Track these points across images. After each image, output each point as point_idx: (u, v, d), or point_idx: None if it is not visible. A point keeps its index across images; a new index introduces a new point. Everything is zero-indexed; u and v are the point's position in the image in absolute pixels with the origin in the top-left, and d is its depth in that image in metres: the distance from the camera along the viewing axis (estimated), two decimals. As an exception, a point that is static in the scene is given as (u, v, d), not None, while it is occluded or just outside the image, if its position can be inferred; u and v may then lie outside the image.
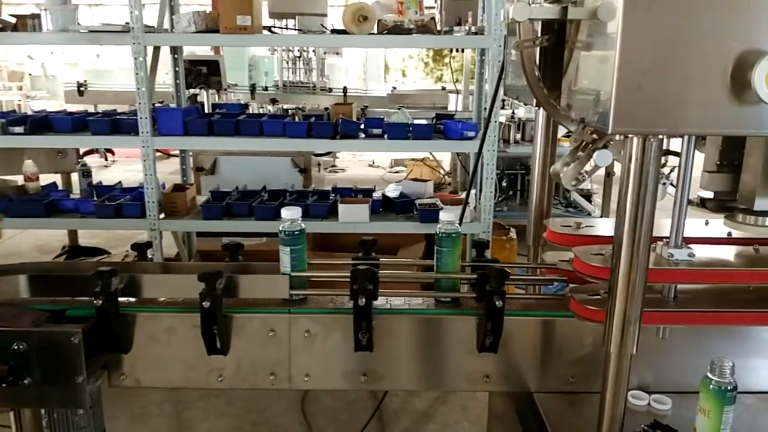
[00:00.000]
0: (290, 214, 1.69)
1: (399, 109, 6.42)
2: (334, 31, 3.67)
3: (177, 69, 4.22)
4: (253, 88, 9.69)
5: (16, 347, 1.45)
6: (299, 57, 10.92)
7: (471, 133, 3.57)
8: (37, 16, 3.85)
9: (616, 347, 1.30)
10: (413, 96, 9.51)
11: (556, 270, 1.76)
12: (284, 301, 1.67)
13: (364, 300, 1.52)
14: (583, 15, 1.34)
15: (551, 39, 1.54)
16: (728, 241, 1.66)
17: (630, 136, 1.19)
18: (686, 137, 1.41)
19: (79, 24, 3.82)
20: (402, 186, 4.16)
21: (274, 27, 3.87)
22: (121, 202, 3.83)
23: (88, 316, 1.59)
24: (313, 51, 10.77)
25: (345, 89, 10.06)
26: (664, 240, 1.49)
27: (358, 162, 11.04)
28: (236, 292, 1.72)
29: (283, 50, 10.85)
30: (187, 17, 3.58)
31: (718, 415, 1.33)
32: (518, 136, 6.44)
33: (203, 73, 6.05)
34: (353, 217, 3.61)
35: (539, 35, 1.55)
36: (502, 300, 1.54)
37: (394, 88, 11.07)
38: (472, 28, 3.78)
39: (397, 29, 3.48)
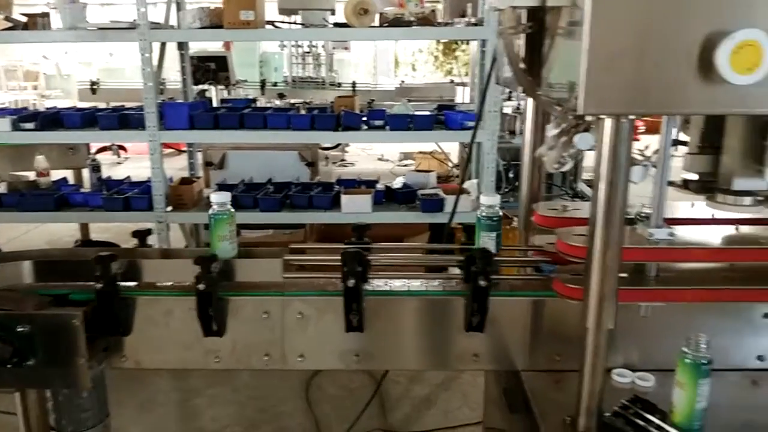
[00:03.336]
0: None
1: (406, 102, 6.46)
2: (336, 25, 3.72)
3: (184, 65, 4.29)
4: (263, 84, 9.78)
5: (20, 329, 1.52)
6: (308, 53, 11.00)
7: (471, 123, 3.61)
8: (47, 15, 3.94)
9: (593, 323, 1.34)
10: (421, 89, 9.54)
11: (543, 252, 1.80)
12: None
13: (353, 282, 1.57)
14: (561, 1, 1.37)
15: (535, 26, 1.58)
16: (722, 222, 1.68)
17: (602, 117, 1.23)
18: (665, 119, 1.45)
19: (87, 22, 3.90)
20: (405, 177, 4.20)
21: (278, 22, 3.92)
22: (129, 196, 3.91)
23: (89, 300, 1.66)
24: (322, 46, 10.85)
25: (354, 84, 10.12)
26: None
27: (368, 156, 11.09)
28: (233, 276, 1.78)
29: (293, 46, 10.94)
30: (192, 13, 3.65)
31: (693, 388, 1.37)
32: (524, 127, 6.43)
33: (212, 69, 6.13)
34: (356, 208, 3.67)
35: (524, 23, 1.59)
36: (487, 280, 1.59)
37: (403, 81, 11.11)
38: (472, 20, 3.82)
39: (397, 21, 3.52)
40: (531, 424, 1.52)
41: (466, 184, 3.91)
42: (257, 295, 1.71)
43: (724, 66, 1.10)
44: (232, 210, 1.79)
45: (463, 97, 8.14)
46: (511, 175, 6.62)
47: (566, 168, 1.65)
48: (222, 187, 4.16)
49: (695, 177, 1.65)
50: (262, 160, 5.84)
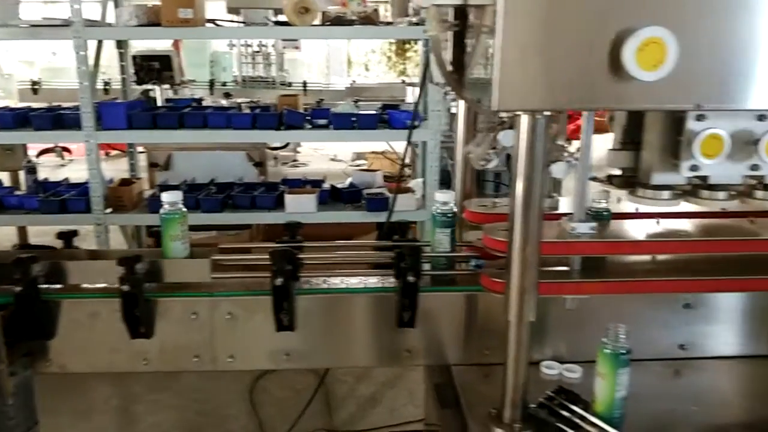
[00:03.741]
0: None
1: (355, 102, 6.46)
2: (277, 24, 3.70)
3: (123, 63, 4.20)
4: (211, 84, 9.67)
5: (-66, 335, 1.47)
6: (258, 52, 10.91)
7: (415, 123, 3.62)
8: (-22, 12, 3.80)
9: (515, 316, 1.36)
10: (372, 89, 9.54)
11: (474, 248, 1.82)
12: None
13: (281, 280, 1.56)
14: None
15: (460, 25, 1.60)
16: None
17: (518, 114, 1.25)
18: (586, 115, 1.48)
19: (20, 18, 3.79)
20: (352, 177, 4.20)
21: (218, 20, 3.87)
22: (66, 198, 3.80)
23: (8, 304, 1.61)
24: (272, 46, 10.78)
25: (305, 83, 10.08)
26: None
27: (321, 156, 11.04)
28: (161, 277, 1.75)
29: (242, 45, 10.84)
30: (129, 11, 3.58)
31: (613, 378, 1.41)
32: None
33: (156, 68, 6.00)
34: (300, 208, 3.65)
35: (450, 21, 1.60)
36: (415, 276, 1.60)
37: (354, 81, 11.11)
38: (414, 19, 3.84)
39: (339, 21, 3.52)
40: (461, 418, 1.54)
41: (411, 183, 3.94)
42: (185, 295, 1.69)
43: (631, 62, 1.13)
44: (184, 210, 1.76)
45: (413, 97, 8.17)
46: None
47: (492, 165, 1.67)
48: (163, 187, 4.08)
49: (619, 172, 1.70)
50: (209, 161, 5.75)
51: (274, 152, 6.80)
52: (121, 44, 4.15)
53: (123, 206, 3.82)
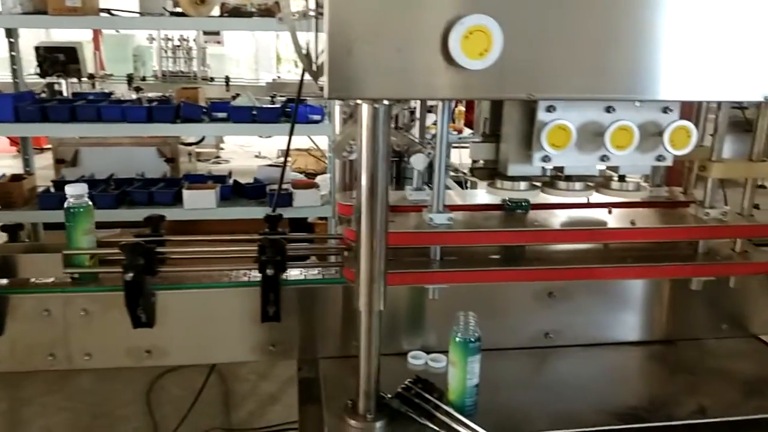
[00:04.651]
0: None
1: (272, 97, 6.38)
2: (173, 14, 3.60)
3: (13, 54, 4.00)
4: (130, 78, 9.40)
5: None
6: (179, 46, 10.66)
7: (317, 117, 3.60)
8: None
9: (364, 305, 1.35)
10: (294, 85, 9.45)
11: (344, 240, 1.81)
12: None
13: (131, 275, 1.51)
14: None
15: (317, 12, 1.58)
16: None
17: (359, 102, 1.24)
18: (440, 106, 1.49)
19: None
20: (257, 172, 4.14)
21: (114, 10, 3.73)
22: (-52, 194, 3.62)
23: None
24: (194, 40, 10.56)
25: (227, 78, 9.93)
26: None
27: (245, 153, 10.87)
28: (15, 273, 1.67)
29: (162, 39, 10.56)
30: (15, -2, 3.41)
31: (464, 366, 1.42)
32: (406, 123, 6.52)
33: (60, 60, 5.77)
34: (199, 204, 3.57)
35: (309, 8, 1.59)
36: (275, 269, 1.57)
37: (278, 77, 11.00)
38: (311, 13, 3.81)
39: (237, 12, 3.45)
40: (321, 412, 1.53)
41: (318, 179, 3.92)
42: (37, 292, 1.62)
43: (457, 51, 1.14)
44: (90, 203, 1.68)
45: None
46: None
47: (354, 156, 1.66)
48: (57, 183, 3.93)
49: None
50: (119, 157, 5.56)
51: (189, 148, 6.64)
52: (10, 33, 3.95)
53: (13, 203, 3.64)
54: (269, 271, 1.57)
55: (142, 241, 1.57)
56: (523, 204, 1.66)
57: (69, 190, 1.66)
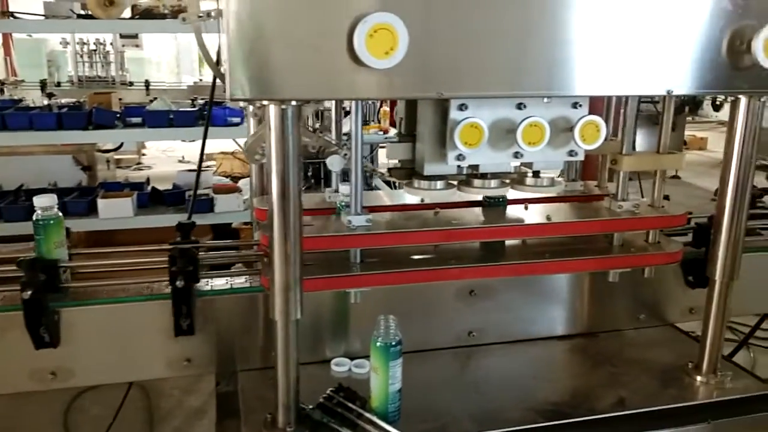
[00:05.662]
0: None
1: (193, 100, 6.20)
2: (80, 17, 3.44)
3: None
4: (43, 84, 8.98)
5: None
6: (95, 50, 10.27)
7: (236, 120, 3.52)
8: None
9: (280, 314, 1.30)
10: (218, 87, 9.26)
11: (260, 246, 1.75)
12: None
13: (29, 293, 1.41)
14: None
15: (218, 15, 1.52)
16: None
17: (265, 104, 1.19)
18: (353, 106, 1.46)
19: None
20: (176, 178, 4.01)
21: (18, 13, 3.53)
22: None
23: None
24: (110, 43, 10.19)
25: (147, 82, 9.62)
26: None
27: (168, 158, 10.58)
28: None
29: (77, 43, 10.15)
30: None
31: (386, 371, 1.39)
32: (317, 125, 6.47)
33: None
34: (115, 213, 3.42)
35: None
36: (185, 281, 1.50)
37: (201, 79, 10.75)
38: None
39: (149, 14, 3.33)
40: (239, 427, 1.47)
41: (241, 183, 3.83)
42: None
43: (362, 50, 1.11)
44: (60, 214, 1.56)
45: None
46: (309, 173, 6.64)
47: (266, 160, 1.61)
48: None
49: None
50: (32, 166, 5.28)
51: (107, 155, 6.38)
52: None
53: None
54: (179, 283, 1.49)
55: (38, 257, 1.47)
56: (500, 200, 1.68)
57: (38, 201, 1.55)
